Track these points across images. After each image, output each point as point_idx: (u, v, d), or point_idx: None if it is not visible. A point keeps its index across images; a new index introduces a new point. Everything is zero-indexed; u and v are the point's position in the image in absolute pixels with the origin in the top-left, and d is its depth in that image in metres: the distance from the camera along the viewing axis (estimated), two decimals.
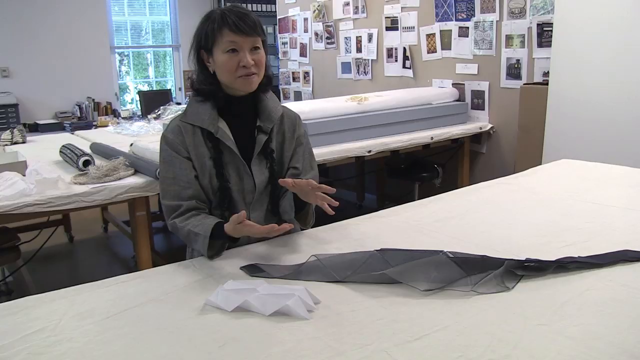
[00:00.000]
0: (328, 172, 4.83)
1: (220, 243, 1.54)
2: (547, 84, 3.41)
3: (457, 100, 4.31)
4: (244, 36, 1.53)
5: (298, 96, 6.16)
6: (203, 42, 1.58)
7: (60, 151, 3.05)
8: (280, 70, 6.44)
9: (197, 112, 1.61)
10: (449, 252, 1.38)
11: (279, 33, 6.33)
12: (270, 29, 7.58)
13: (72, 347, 1.06)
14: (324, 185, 1.52)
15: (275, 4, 6.43)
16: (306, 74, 6.00)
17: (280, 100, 1.90)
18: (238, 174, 1.64)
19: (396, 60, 4.86)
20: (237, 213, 1.61)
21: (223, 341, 1.07)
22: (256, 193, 1.65)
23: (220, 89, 1.61)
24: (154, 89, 8.31)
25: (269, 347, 1.04)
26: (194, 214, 1.58)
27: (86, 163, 2.71)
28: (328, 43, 5.60)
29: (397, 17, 4.75)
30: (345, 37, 5.36)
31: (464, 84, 4.31)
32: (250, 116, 1.67)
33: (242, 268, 1.43)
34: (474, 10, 4.11)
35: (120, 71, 8.05)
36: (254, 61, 1.56)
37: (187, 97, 7.72)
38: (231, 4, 1.64)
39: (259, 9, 8.00)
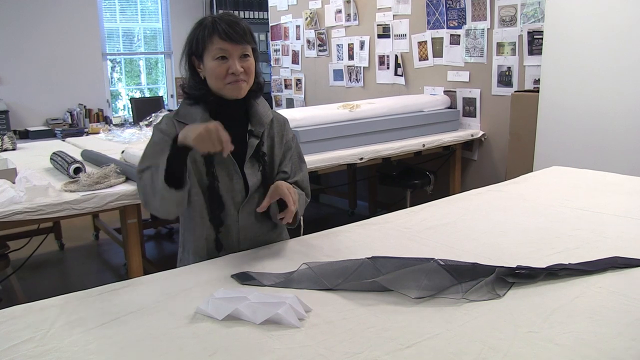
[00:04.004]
0: (320, 179, 4.83)
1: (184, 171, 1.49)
2: (537, 91, 3.43)
3: (448, 108, 4.32)
4: (233, 44, 1.55)
5: (290, 103, 6.16)
6: (194, 49, 1.60)
7: (50, 158, 3.04)
8: (272, 77, 6.45)
9: (189, 113, 1.63)
10: (440, 259, 1.38)
11: (271, 40, 6.34)
12: (262, 36, 7.60)
13: (60, 356, 1.05)
14: (290, 200, 1.55)
15: (267, 11, 6.45)
16: (298, 81, 6.01)
17: (272, 108, 1.91)
18: (228, 174, 1.64)
19: (388, 68, 4.87)
20: (226, 213, 1.64)
21: (213, 350, 1.06)
22: (248, 195, 1.66)
23: (210, 93, 1.62)
24: (146, 95, 8.29)
25: (260, 356, 1.04)
26: None
27: (77, 170, 2.70)
28: (320, 50, 5.62)
29: (388, 24, 4.77)
30: (337, 45, 5.38)
31: (455, 92, 4.33)
32: (241, 121, 1.68)
33: (233, 276, 1.43)
34: (465, 18, 4.13)
35: (112, 78, 8.04)
36: (243, 68, 1.58)
37: (179, 104, 7.70)
38: (223, 12, 1.66)
39: (251, 16, 8.01)
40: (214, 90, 1.61)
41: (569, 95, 3.22)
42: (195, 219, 1.63)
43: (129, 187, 2.58)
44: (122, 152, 3.10)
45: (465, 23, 4.14)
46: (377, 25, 4.89)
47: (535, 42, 3.70)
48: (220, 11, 7.80)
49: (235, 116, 1.67)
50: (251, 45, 1.60)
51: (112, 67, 8.03)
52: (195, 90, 1.63)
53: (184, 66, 1.65)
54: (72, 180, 2.64)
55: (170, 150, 1.45)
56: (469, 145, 4.29)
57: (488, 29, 3.99)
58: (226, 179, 1.64)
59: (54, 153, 3.04)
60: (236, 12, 7.85)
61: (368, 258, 1.43)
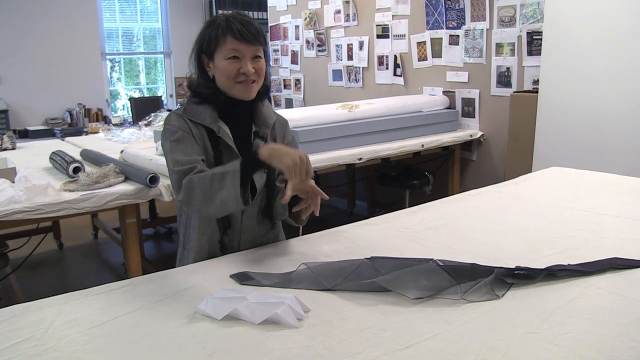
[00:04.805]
0: (319, 179, 4.82)
1: (249, 185, 1.47)
2: (537, 91, 3.43)
3: (447, 108, 4.33)
4: (247, 44, 1.54)
5: (289, 103, 6.16)
6: (205, 47, 1.58)
7: (50, 158, 3.04)
8: (271, 77, 6.45)
9: (197, 111, 1.61)
10: (439, 259, 1.38)
11: (270, 40, 6.34)
12: None
13: (59, 356, 1.05)
14: (320, 190, 1.54)
15: (266, 11, 6.45)
16: (297, 81, 6.01)
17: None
18: None
19: (387, 68, 4.87)
20: (230, 214, 1.62)
21: (212, 350, 1.06)
22: (255, 196, 1.66)
23: (219, 92, 1.60)
24: (145, 95, 8.29)
25: (259, 356, 1.04)
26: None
27: (76, 170, 2.70)
28: (319, 50, 5.62)
29: (388, 25, 4.77)
30: (337, 45, 5.38)
31: (454, 92, 4.33)
32: (246, 121, 1.68)
33: (232, 276, 1.42)
34: (464, 19, 4.13)
35: (111, 77, 8.03)
36: (255, 69, 1.57)
37: (179, 104, 7.70)
38: (235, 11, 1.64)
39: (250, 16, 8.00)
40: (223, 90, 1.60)
41: (568, 96, 3.22)
42: (203, 217, 1.63)
43: (128, 187, 2.58)
44: (121, 151, 3.10)
45: (464, 23, 4.15)
46: (376, 25, 4.89)
47: (534, 43, 3.71)
48: (223, 11, 7.79)
49: (242, 117, 1.67)
50: (263, 47, 1.60)
51: (111, 67, 8.04)
52: (203, 89, 1.61)
53: (193, 64, 1.63)
54: (72, 179, 2.64)
55: (249, 163, 1.43)
56: (468, 145, 4.30)
57: (487, 29, 4.00)
58: None
59: (53, 152, 3.04)
60: None
61: (367, 258, 1.43)
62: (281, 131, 1.75)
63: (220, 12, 7.69)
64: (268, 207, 1.70)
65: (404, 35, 4.65)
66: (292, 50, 6.02)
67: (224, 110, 1.63)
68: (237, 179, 1.40)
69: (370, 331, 1.12)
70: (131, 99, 7.42)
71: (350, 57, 5.25)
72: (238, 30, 1.53)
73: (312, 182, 1.57)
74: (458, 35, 4.21)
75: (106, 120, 7.40)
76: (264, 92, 1.68)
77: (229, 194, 1.41)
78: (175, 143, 1.56)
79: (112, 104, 7.99)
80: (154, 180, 2.54)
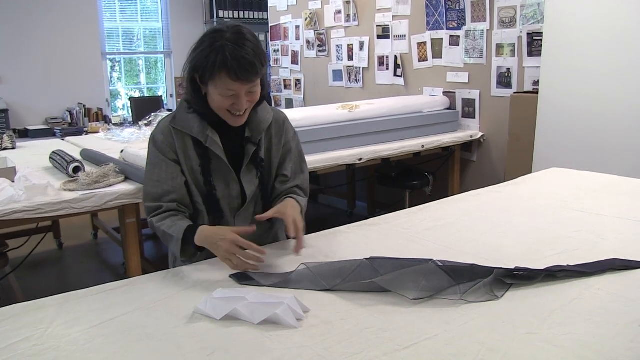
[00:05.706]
0: (319, 179, 4.83)
1: (193, 248, 1.54)
2: (537, 92, 3.43)
3: (448, 109, 4.32)
4: (242, 83, 1.48)
5: (289, 104, 6.16)
6: (200, 73, 1.51)
7: (50, 157, 3.03)
8: (271, 77, 6.45)
9: (186, 120, 1.60)
10: (439, 260, 1.38)
11: (271, 40, 6.34)
12: (262, 37, 7.60)
13: (58, 355, 1.05)
14: (293, 223, 1.57)
15: (267, 11, 6.45)
16: (297, 81, 6.01)
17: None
18: (225, 181, 1.63)
19: (387, 69, 4.87)
20: (224, 221, 1.64)
21: (211, 350, 1.06)
22: (247, 201, 1.65)
23: (211, 111, 1.58)
24: (146, 95, 8.29)
25: (258, 356, 1.04)
26: (171, 215, 1.58)
27: (76, 169, 2.70)
28: (319, 51, 5.62)
29: (388, 25, 4.77)
30: (337, 45, 5.38)
31: (454, 92, 4.33)
32: (238, 127, 1.66)
33: (231, 276, 1.43)
34: (464, 19, 4.13)
35: (111, 77, 8.03)
36: (249, 101, 1.55)
37: (178, 105, 7.68)
38: (233, 33, 1.48)
39: (251, 17, 8.00)
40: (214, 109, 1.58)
41: (568, 97, 3.22)
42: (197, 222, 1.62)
43: (128, 187, 2.58)
44: (122, 151, 3.09)
45: (464, 24, 4.14)
46: (377, 26, 4.89)
47: (534, 44, 3.71)
48: (225, 17, 7.78)
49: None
50: (260, 76, 1.53)
51: (111, 67, 8.03)
52: (196, 105, 1.59)
53: (186, 78, 1.57)
54: (71, 179, 2.64)
55: (188, 237, 1.50)
56: (468, 146, 4.30)
57: (487, 30, 4.00)
58: (223, 185, 1.63)
59: (53, 152, 3.03)
60: (236, 13, 7.86)
61: (366, 259, 1.43)
62: (278, 131, 1.73)
63: (219, 12, 7.69)
64: (264, 210, 1.69)
65: (405, 35, 4.65)
66: (292, 51, 6.02)
67: (216, 121, 1.61)
68: (179, 245, 1.50)
69: (369, 331, 1.12)
70: (131, 99, 7.41)
71: (350, 58, 5.25)
72: (234, 69, 1.43)
73: (290, 221, 1.57)
74: (458, 36, 4.21)
75: (106, 120, 7.39)
76: (261, 100, 1.65)
77: (173, 250, 1.56)
78: (151, 167, 1.63)
79: (112, 104, 7.98)
80: None
